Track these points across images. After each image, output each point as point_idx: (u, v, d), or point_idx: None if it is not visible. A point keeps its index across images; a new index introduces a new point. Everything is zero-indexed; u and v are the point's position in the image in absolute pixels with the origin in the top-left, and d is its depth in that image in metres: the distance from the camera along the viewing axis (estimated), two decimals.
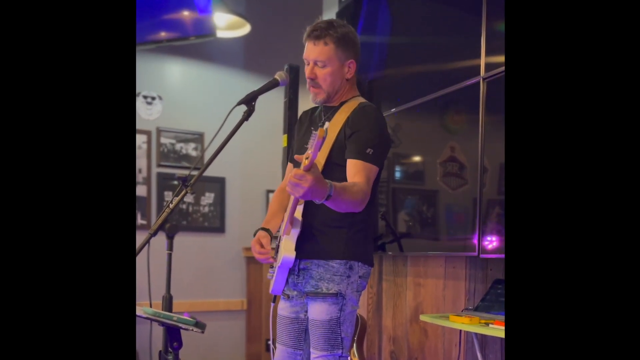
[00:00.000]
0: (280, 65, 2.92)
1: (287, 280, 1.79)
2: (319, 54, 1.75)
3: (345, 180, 1.67)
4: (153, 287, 1.75)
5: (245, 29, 3.51)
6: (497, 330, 1.74)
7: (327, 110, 1.85)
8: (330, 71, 1.77)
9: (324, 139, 1.32)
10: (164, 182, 4.02)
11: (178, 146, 4.09)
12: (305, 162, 1.36)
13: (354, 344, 2.66)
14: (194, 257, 4.08)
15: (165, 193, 4.02)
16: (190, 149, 4.12)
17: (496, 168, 1.99)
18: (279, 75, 1.79)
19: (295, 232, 1.70)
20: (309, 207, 1.72)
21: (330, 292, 1.71)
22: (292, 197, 1.66)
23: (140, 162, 3.93)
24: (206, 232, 4.17)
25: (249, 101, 1.72)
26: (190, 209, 4.12)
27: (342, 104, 1.82)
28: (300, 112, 2.09)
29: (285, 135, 3.07)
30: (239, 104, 1.71)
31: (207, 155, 1.84)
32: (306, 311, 1.79)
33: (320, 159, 1.72)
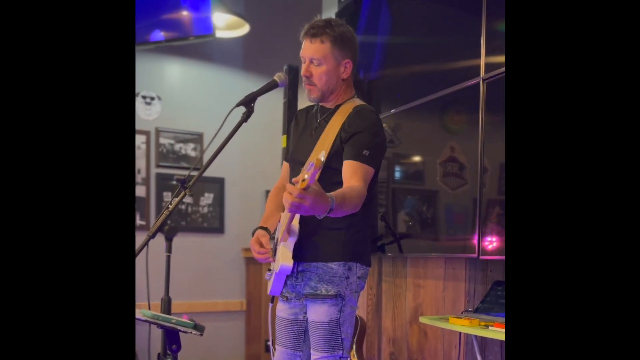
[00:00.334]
0: (279, 65, 2.91)
1: (285, 283, 1.78)
2: (314, 51, 1.75)
3: (341, 184, 1.67)
4: (152, 288, 1.75)
5: (245, 29, 3.50)
6: (497, 332, 1.73)
7: (323, 112, 1.84)
8: (326, 70, 1.76)
9: (320, 168, 1.32)
10: (163, 182, 4.01)
11: (177, 146, 4.08)
12: (302, 185, 1.34)
13: (354, 346, 2.65)
14: (193, 258, 4.07)
15: (164, 193, 4.01)
16: (189, 149, 4.11)
17: (496, 168, 1.98)
18: (278, 77, 1.78)
19: (292, 240, 1.69)
20: None
21: (330, 293, 1.71)
22: None
23: (139, 163, 3.92)
24: (205, 232, 4.16)
25: (248, 102, 1.72)
26: (189, 209, 4.12)
27: (338, 106, 1.81)
28: None
29: (285, 136, 3.07)
30: (238, 105, 1.70)
31: (207, 156, 1.83)
32: (305, 313, 1.78)
33: None
